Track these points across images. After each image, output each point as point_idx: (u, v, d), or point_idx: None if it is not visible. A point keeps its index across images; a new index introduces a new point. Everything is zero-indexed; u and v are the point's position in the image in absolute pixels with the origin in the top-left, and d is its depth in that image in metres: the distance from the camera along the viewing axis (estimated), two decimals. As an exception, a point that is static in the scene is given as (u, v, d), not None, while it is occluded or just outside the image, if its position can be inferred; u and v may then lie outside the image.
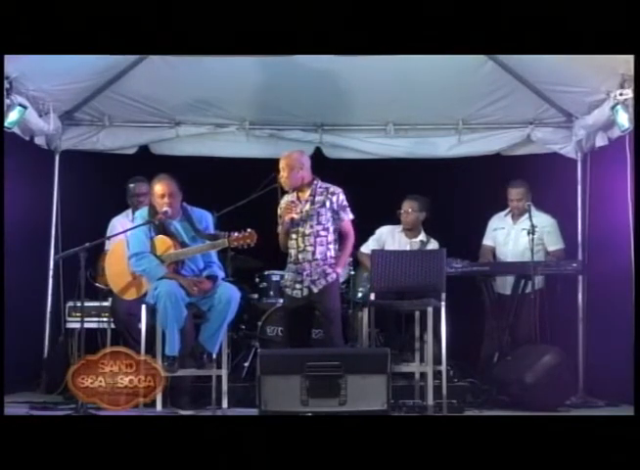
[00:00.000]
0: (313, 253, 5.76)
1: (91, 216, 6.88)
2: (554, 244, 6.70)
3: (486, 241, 6.92)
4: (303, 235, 5.79)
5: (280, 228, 5.89)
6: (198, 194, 5.95)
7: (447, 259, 6.16)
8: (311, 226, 5.78)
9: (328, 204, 5.81)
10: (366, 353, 5.61)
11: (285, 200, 5.93)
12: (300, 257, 5.79)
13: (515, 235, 6.78)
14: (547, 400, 5.71)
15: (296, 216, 5.78)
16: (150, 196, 5.87)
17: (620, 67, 5.64)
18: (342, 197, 5.84)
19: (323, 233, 5.79)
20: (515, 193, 6.76)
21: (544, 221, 6.61)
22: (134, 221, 5.92)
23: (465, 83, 6.75)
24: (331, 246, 5.81)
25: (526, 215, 6.54)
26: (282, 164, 5.84)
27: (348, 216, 5.87)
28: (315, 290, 5.75)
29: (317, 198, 5.82)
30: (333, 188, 5.86)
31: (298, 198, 5.88)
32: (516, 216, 6.83)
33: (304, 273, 5.77)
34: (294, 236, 5.82)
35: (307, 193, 5.85)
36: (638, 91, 5.24)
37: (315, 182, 5.87)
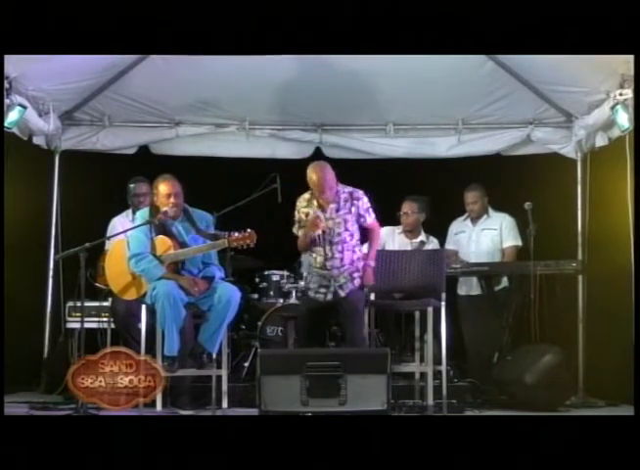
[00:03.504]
0: (341, 259, 5.72)
1: (91, 216, 6.87)
2: (507, 241, 6.78)
3: (448, 245, 6.94)
4: (331, 243, 5.73)
5: (295, 229, 5.82)
6: (198, 194, 5.94)
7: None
8: (339, 234, 5.72)
9: (354, 209, 5.75)
10: (366, 353, 5.59)
11: (304, 205, 5.79)
12: (328, 264, 5.73)
13: (476, 237, 6.89)
14: (547, 400, 5.71)
15: (325, 230, 5.69)
16: (152, 196, 5.85)
17: (620, 67, 5.64)
18: (365, 200, 5.78)
19: (349, 239, 5.75)
20: (470, 196, 6.89)
21: (503, 220, 6.78)
22: (134, 222, 5.91)
23: (465, 83, 6.75)
24: (357, 249, 5.80)
25: (485, 217, 6.84)
26: (320, 183, 5.63)
27: (372, 217, 5.82)
28: (342, 294, 5.72)
29: (342, 204, 5.75)
30: (356, 193, 5.78)
31: (321, 206, 5.75)
32: (474, 219, 6.94)
33: (332, 279, 5.73)
34: (320, 243, 5.74)
35: (332, 200, 5.75)
36: (638, 91, 5.24)
37: (338, 188, 5.79)
